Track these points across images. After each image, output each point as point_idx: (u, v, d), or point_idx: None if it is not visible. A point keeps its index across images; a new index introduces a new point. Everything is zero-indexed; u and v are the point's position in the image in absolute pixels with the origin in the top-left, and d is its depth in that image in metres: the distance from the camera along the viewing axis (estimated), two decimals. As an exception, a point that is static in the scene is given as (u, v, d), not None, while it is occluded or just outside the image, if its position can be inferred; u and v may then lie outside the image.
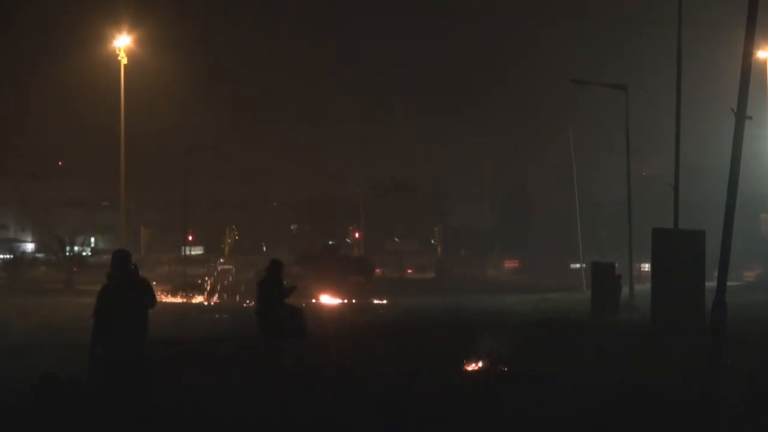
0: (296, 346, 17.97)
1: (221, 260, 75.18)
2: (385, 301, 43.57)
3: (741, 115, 16.03)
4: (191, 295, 45.18)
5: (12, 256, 56.84)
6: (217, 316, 35.38)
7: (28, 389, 14.25)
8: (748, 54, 16.11)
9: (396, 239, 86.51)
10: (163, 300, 40.29)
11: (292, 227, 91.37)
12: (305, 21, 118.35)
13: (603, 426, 13.59)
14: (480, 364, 18.59)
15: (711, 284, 17.40)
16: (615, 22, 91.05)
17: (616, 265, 33.51)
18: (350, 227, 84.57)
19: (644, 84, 71.67)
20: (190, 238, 75.33)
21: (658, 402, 15.40)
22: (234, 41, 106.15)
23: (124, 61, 55.17)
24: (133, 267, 12.22)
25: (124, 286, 12.01)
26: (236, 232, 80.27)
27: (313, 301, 43.11)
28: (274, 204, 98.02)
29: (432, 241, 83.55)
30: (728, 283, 15.80)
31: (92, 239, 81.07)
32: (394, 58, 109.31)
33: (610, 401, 15.36)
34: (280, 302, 17.67)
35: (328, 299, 43.20)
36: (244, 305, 38.70)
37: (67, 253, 54.36)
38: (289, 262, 52.48)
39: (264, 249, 71.51)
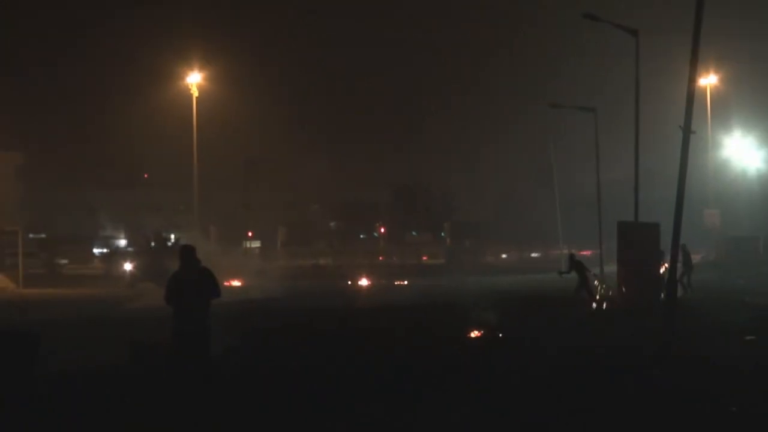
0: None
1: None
2: (405, 282, 43.85)
3: (687, 131, 16.18)
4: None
5: (108, 250, 57.32)
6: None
7: (123, 353, 14.48)
8: (692, 80, 16.19)
9: (414, 233, 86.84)
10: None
11: (331, 224, 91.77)
12: (341, 39, 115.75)
13: (574, 377, 13.59)
14: (478, 331, 18.67)
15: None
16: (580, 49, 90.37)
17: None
18: (377, 223, 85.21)
19: (610, 105, 71.59)
20: (250, 234, 75.61)
21: (617, 357, 15.40)
22: (284, 70, 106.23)
23: (195, 94, 55.57)
24: (197, 260, 11.97)
25: (190, 275, 11.83)
26: (285, 229, 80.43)
27: (349, 282, 43.30)
28: (316, 206, 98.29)
29: (443, 234, 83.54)
30: (678, 265, 15.85)
31: (171, 236, 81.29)
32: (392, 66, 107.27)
33: (580, 358, 15.39)
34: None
35: (364, 281, 43.43)
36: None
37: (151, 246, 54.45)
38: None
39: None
